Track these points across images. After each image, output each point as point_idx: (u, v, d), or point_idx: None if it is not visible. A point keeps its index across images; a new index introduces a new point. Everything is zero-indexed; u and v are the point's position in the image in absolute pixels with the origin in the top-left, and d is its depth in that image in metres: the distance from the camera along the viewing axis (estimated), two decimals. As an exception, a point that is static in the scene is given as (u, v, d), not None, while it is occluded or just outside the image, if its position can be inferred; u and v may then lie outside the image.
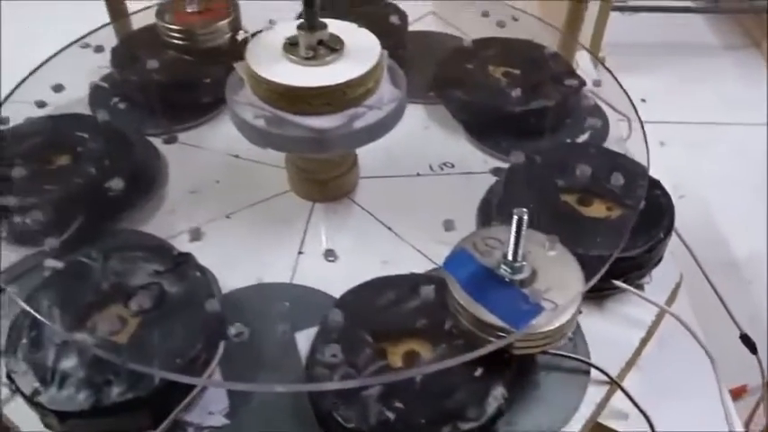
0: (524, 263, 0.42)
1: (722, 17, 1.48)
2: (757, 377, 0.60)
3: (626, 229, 0.47)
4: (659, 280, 0.52)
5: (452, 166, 0.62)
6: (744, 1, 1.48)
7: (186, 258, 0.45)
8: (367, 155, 0.59)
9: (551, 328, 0.40)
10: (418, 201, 0.58)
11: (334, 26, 0.53)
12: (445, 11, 0.83)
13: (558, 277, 0.42)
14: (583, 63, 0.80)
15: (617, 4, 1.33)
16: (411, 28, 0.75)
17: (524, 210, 0.40)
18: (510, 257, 0.42)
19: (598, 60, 0.79)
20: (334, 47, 0.51)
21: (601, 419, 0.44)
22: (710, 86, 1.31)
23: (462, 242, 0.44)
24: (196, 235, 0.54)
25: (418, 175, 0.61)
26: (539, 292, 0.41)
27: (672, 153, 1.17)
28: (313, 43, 0.51)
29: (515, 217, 0.40)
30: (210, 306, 0.43)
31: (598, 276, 0.43)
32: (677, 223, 0.51)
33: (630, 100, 0.61)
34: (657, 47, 1.43)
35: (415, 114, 0.67)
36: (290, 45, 0.51)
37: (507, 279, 0.42)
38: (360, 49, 0.52)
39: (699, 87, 1.31)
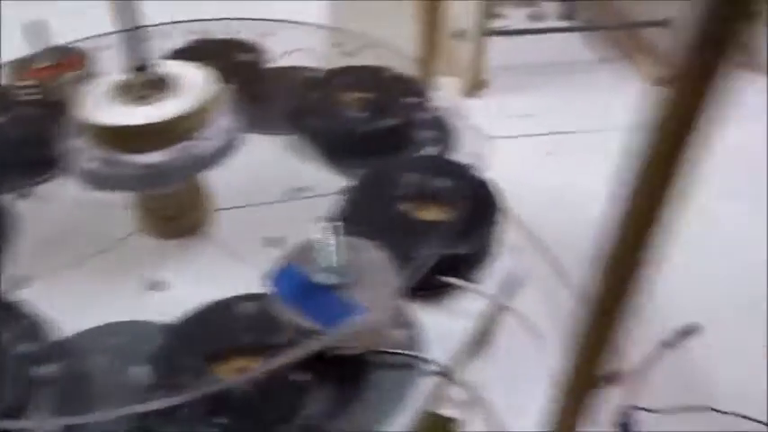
0: (343, 269, 0.43)
1: (596, 34, 1.58)
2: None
3: (449, 230, 0.49)
4: (498, 275, 0.54)
5: (307, 190, 0.64)
6: (615, 18, 1.58)
7: (11, 306, 0.45)
8: (223, 187, 0.60)
9: (371, 327, 0.42)
10: (273, 227, 0.60)
11: (170, 66, 0.55)
12: (312, 45, 0.86)
13: (377, 280, 0.44)
14: (443, 85, 0.84)
15: (497, 29, 1.40)
16: (281, 63, 0.77)
17: (338, 220, 0.42)
18: (329, 265, 0.43)
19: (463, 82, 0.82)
20: (163, 86, 0.53)
21: (441, 410, 0.45)
22: (590, 97, 1.39)
23: (286, 256, 0.46)
24: (32, 284, 0.53)
25: (274, 202, 0.62)
26: (356, 295, 0.43)
27: (558, 161, 1.23)
28: (142, 83, 0.52)
29: (330, 226, 0.42)
30: (30, 349, 0.42)
31: (419, 275, 0.45)
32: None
33: (464, 114, 0.65)
34: (540, 66, 1.51)
35: (273, 145, 0.69)
36: (121, 88, 0.53)
37: (327, 285, 0.43)
38: (191, 86, 0.54)
39: (580, 99, 1.39)
